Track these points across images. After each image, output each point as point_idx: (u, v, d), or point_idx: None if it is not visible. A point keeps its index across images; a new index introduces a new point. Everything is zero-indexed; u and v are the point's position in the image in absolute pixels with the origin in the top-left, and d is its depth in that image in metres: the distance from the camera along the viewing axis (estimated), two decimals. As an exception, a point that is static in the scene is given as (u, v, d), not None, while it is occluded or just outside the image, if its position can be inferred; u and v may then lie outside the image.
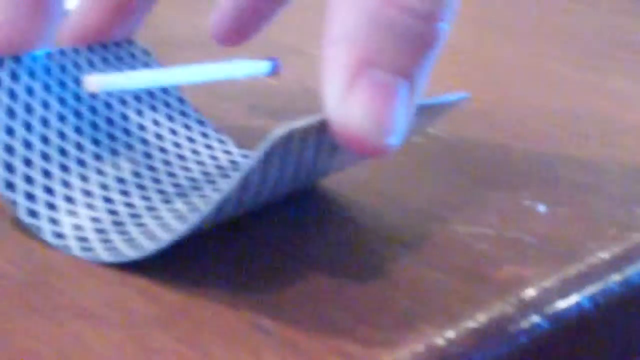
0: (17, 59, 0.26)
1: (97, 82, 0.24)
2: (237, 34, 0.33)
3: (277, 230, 0.27)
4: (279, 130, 0.20)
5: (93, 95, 0.27)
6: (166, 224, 0.25)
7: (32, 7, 0.26)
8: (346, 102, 0.20)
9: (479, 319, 0.22)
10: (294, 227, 0.27)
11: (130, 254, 0.23)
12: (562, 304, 0.24)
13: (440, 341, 0.22)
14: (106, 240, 0.24)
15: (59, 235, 0.24)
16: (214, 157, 0.29)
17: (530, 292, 0.24)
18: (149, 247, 0.23)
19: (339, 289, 0.24)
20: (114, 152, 0.27)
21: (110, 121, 0.28)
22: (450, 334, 0.22)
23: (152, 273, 0.23)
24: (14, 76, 0.26)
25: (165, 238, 0.24)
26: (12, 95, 0.26)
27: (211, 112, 0.32)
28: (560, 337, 0.24)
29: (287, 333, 0.21)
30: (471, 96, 0.30)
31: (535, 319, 0.23)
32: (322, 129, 0.21)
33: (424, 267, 0.25)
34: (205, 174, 0.29)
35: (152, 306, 0.22)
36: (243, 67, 0.29)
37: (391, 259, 0.25)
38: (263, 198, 0.25)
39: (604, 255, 0.26)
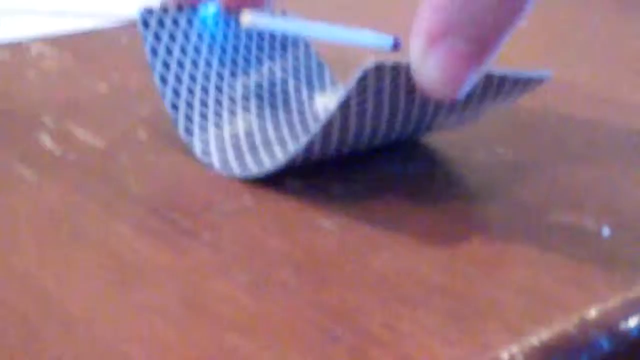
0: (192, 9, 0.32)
1: (250, 18, 0.32)
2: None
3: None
4: (371, 61, 0.23)
5: (240, 31, 0.34)
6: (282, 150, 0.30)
7: None
8: (425, 63, 0.22)
9: (542, 337, 0.23)
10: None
11: (254, 170, 0.29)
12: (625, 324, 0.25)
13: (505, 356, 0.22)
14: (240, 158, 0.30)
15: (206, 153, 0.30)
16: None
17: (592, 312, 0.25)
18: (267, 166, 0.29)
19: (406, 301, 0.25)
20: (246, 86, 0.33)
21: (247, 60, 0.33)
22: (514, 349, 0.23)
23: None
24: (190, 22, 0.32)
25: (280, 161, 0.29)
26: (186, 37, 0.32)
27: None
28: (622, 358, 0.25)
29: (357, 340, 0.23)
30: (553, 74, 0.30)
31: (598, 338, 0.24)
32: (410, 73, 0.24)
33: (492, 285, 0.26)
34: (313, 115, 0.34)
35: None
36: (369, 37, 0.32)
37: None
38: (365, 138, 0.28)
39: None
